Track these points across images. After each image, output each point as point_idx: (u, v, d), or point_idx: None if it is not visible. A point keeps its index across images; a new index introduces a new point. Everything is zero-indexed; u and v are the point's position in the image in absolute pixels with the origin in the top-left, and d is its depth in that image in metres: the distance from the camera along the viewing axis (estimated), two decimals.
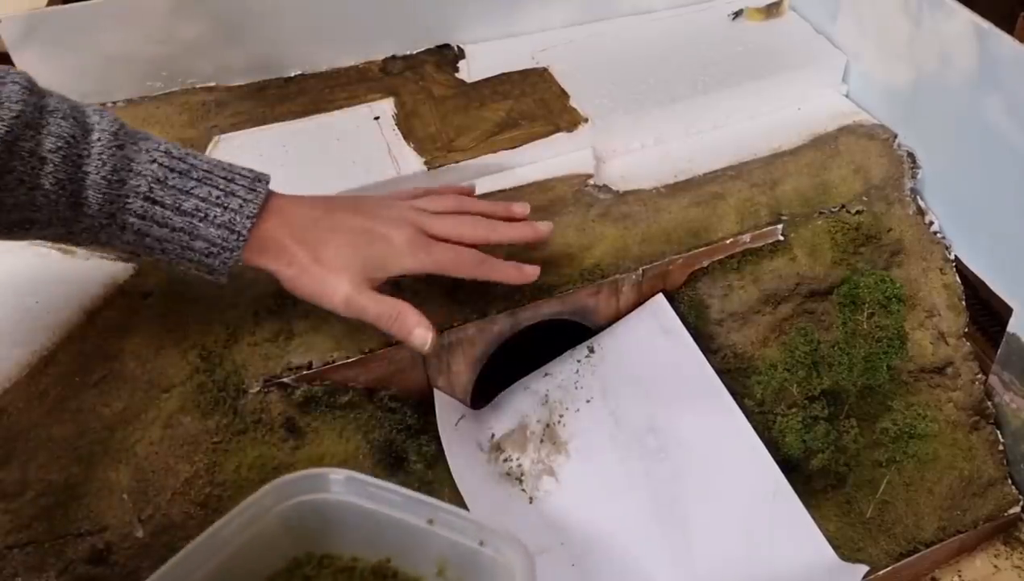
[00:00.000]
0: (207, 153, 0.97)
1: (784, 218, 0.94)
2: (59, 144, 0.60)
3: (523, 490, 0.85)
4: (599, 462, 0.85)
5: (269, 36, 1.06)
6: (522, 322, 0.87)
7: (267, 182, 0.67)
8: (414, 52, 1.13)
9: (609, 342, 0.90)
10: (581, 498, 0.84)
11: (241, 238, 0.65)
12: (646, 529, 0.82)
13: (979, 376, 0.94)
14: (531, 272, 0.76)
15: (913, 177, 0.99)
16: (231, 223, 0.64)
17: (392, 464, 0.81)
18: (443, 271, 0.71)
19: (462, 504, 0.79)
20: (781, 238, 0.93)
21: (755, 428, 0.84)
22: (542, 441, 0.86)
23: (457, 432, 0.85)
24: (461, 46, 1.13)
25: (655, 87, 1.03)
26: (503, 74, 1.07)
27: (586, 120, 0.98)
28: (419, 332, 0.69)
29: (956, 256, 0.97)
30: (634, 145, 1.01)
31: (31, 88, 0.62)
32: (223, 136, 0.99)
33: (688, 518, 0.83)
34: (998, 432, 0.93)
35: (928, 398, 0.92)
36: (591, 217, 0.91)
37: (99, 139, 0.61)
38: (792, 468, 0.85)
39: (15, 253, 0.87)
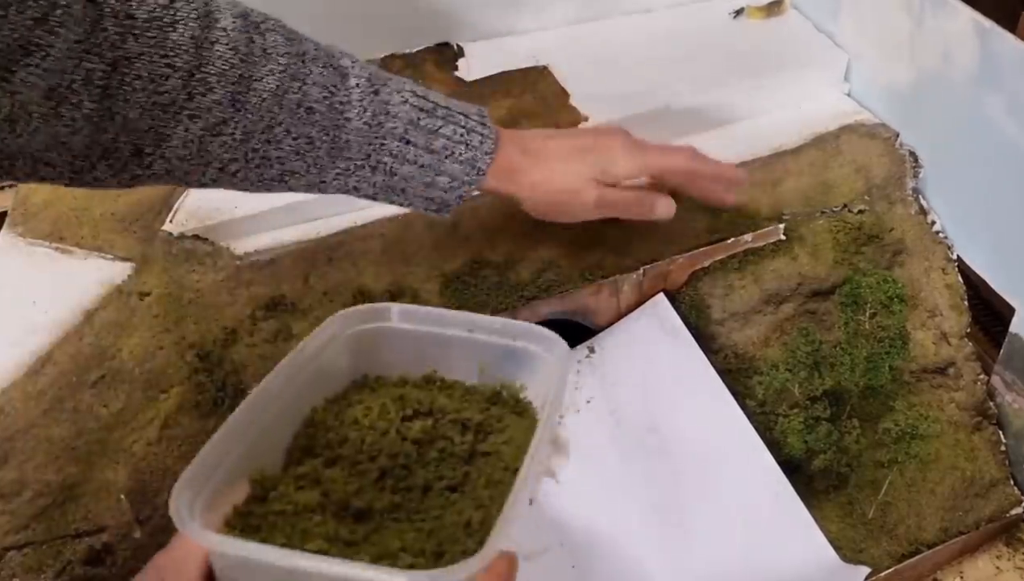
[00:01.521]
0: None
1: (786, 217, 0.93)
2: (324, 94, 0.62)
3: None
4: (599, 462, 0.85)
5: None
6: None
7: (487, 115, 0.71)
8: (414, 51, 1.12)
9: (609, 342, 0.90)
10: (581, 498, 0.84)
11: (481, 173, 0.69)
12: (646, 530, 0.82)
13: (981, 376, 0.94)
14: (731, 199, 0.82)
15: (915, 176, 0.98)
16: (473, 160, 0.68)
17: None
18: (657, 172, 0.78)
19: None
20: (783, 238, 0.93)
21: (756, 429, 0.84)
22: None
23: None
24: (461, 44, 1.13)
25: (655, 86, 1.03)
26: (503, 73, 1.07)
27: (586, 119, 0.98)
28: (661, 206, 0.78)
29: (958, 256, 0.96)
30: None
31: (291, 37, 0.63)
32: None
33: (688, 519, 0.82)
34: (1000, 433, 0.93)
35: (930, 398, 0.92)
36: None
37: (357, 85, 0.63)
38: (794, 469, 0.85)
39: (14, 253, 0.86)
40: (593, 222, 0.89)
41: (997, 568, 0.90)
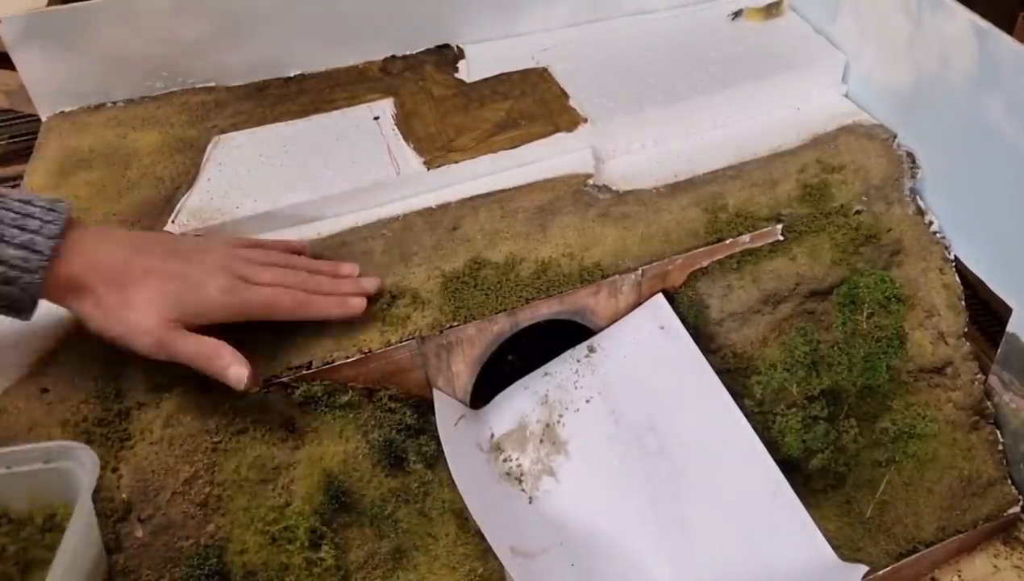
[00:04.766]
0: (206, 154, 0.97)
1: (784, 218, 0.94)
2: None
3: (523, 490, 0.85)
4: (599, 462, 0.85)
5: (269, 36, 1.06)
6: (522, 322, 0.87)
7: (64, 205, 0.64)
8: (414, 52, 1.13)
9: (609, 342, 0.91)
10: (581, 498, 0.84)
11: (43, 258, 0.61)
12: (646, 529, 0.82)
13: (979, 376, 0.94)
14: (356, 305, 0.75)
15: (913, 177, 0.99)
16: (31, 243, 0.61)
17: (392, 464, 0.81)
18: (258, 316, 0.70)
19: (462, 504, 0.79)
20: (781, 238, 0.93)
21: (755, 428, 0.84)
22: (542, 441, 0.86)
23: (457, 432, 0.85)
24: (461, 46, 1.13)
25: (655, 87, 1.03)
26: (503, 74, 1.07)
27: (586, 120, 0.98)
28: (234, 370, 0.68)
29: (955, 256, 0.97)
30: (634, 145, 1.01)
31: None
32: (223, 136, 0.99)
33: (688, 518, 0.83)
34: (998, 432, 0.93)
35: (928, 398, 0.92)
36: (591, 217, 0.91)
37: None
38: (792, 468, 0.85)
39: None
40: (593, 224, 0.90)
41: (995, 567, 0.90)
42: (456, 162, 0.93)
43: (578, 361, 0.90)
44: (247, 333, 0.75)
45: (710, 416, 0.86)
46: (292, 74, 1.09)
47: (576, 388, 0.88)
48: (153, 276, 0.65)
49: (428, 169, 0.92)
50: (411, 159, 0.94)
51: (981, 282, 0.94)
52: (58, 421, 0.73)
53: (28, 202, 0.62)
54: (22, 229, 0.60)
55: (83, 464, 0.57)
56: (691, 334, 0.89)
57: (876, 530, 0.86)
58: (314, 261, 0.80)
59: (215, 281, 0.67)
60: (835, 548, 0.81)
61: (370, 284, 0.78)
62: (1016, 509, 0.91)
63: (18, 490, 0.58)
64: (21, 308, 0.63)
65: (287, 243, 0.83)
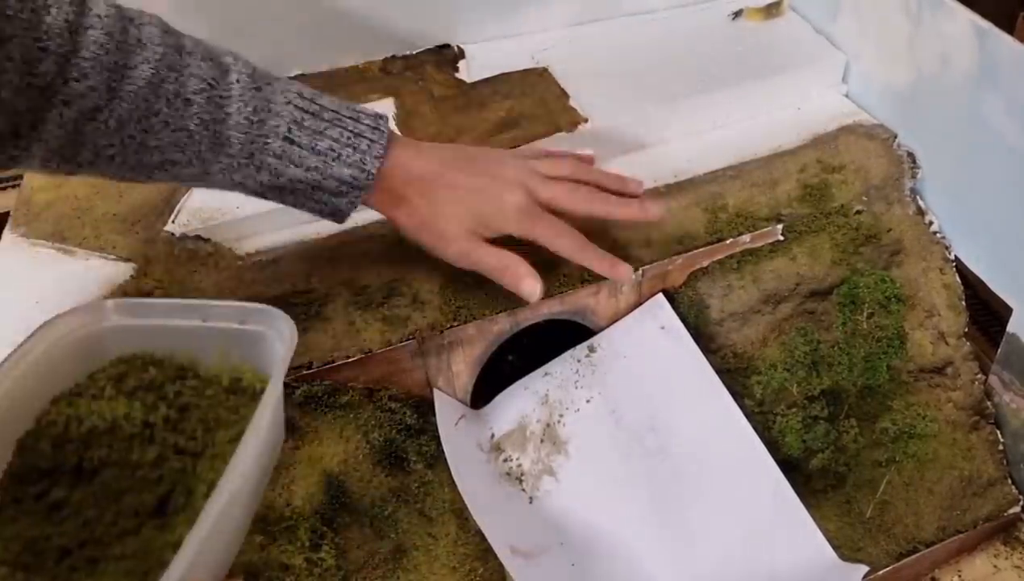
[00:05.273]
0: None
1: (784, 218, 0.94)
2: (202, 85, 0.62)
3: (523, 490, 0.85)
4: (599, 462, 0.85)
5: (269, 36, 1.06)
6: (522, 322, 0.87)
7: (386, 121, 0.70)
8: (414, 52, 1.13)
9: (609, 342, 0.91)
10: (581, 498, 0.84)
11: (369, 177, 0.67)
12: (646, 529, 0.82)
13: (979, 376, 0.94)
14: (624, 272, 0.78)
15: (913, 177, 0.99)
16: (361, 163, 0.67)
17: (392, 464, 0.81)
18: (543, 244, 0.74)
19: (462, 504, 0.79)
20: (781, 238, 0.93)
21: (755, 428, 0.84)
22: (542, 441, 0.86)
23: (457, 432, 0.85)
24: (461, 46, 1.13)
25: (655, 87, 1.03)
26: (503, 74, 1.07)
27: (586, 120, 0.98)
28: (528, 283, 0.72)
29: (956, 256, 0.97)
30: (635, 145, 1.01)
31: (167, 30, 0.64)
32: None
33: (688, 518, 0.83)
34: (998, 432, 0.93)
35: (928, 398, 0.92)
36: None
37: (238, 80, 0.63)
38: (792, 468, 0.85)
39: (17, 253, 0.87)
40: (593, 224, 0.90)
41: (995, 567, 0.90)
42: None
43: (578, 361, 0.90)
44: None
45: (710, 416, 0.86)
46: (292, 74, 1.09)
47: (576, 388, 0.88)
48: (458, 189, 0.71)
49: None
50: None
51: (981, 282, 0.94)
52: None
53: (357, 120, 0.67)
54: (354, 149, 0.66)
55: (280, 332, 0.54)
56: (691, 334, 0.89)
57: (876, 530, 0.86)
58: (602, 173, 0.82)
59: (511, 197, 0.71)
60: (835, 548, 0.81)
61: (656, 209, 0.80)
62: (1016, 509, 0.91)
63: (209, 346, 0.56)
64: (342, 216, 0.71)
65: (575, 154, 0.85)
